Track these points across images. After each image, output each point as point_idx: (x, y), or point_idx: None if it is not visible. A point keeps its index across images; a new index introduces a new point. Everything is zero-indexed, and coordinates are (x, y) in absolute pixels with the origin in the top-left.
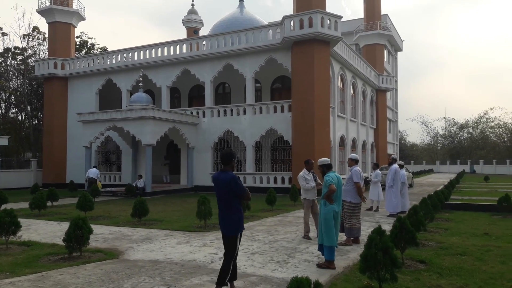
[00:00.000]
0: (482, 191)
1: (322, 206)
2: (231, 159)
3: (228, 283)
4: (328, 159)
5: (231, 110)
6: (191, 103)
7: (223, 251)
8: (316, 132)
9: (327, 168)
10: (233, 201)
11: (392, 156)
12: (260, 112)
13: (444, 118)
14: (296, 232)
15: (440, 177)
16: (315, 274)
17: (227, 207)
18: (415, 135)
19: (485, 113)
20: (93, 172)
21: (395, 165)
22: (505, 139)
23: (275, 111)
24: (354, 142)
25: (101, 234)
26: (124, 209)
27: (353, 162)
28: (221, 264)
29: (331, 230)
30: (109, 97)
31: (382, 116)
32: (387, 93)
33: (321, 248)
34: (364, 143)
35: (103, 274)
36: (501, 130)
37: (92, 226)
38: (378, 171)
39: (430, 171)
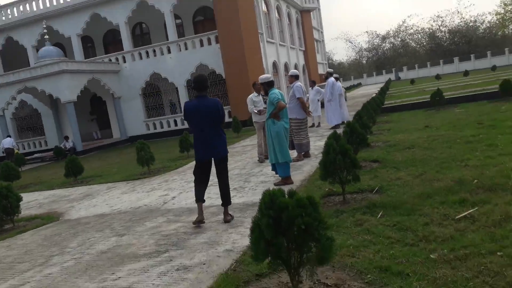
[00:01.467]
0: (411, 93)
1: (271, 125)
2: (207, 84)
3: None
4: (270, 76)
5: (154, 51)
6: (108, 50)
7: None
8: (247, 61)
9: (268, 85)
10: (219, 126)
11: (328, 70)
12: (186, 48)
13: (367, 32)
14: (246, 159)
15: (370, 88)
16: None
17: (216, 132)
18: (341, 53)
19: (403, 22)
20: (8, 142)
21: (332, 78)
22: (424, 43)
23: (202, 45)
24: (286, 67)
25: (35, 201)
26: (56, 172)
27: (293, 78)
28: (222, 188)
29: (284, 145)
30: (13, 58)
31: (309, 37)
32: (311, 14)
33: (274, 167)
34: (295, 67)
35: (43, 240)
36: (419, 35)
37: (23, 194)
38: (317, 87)
39: (359, 85)
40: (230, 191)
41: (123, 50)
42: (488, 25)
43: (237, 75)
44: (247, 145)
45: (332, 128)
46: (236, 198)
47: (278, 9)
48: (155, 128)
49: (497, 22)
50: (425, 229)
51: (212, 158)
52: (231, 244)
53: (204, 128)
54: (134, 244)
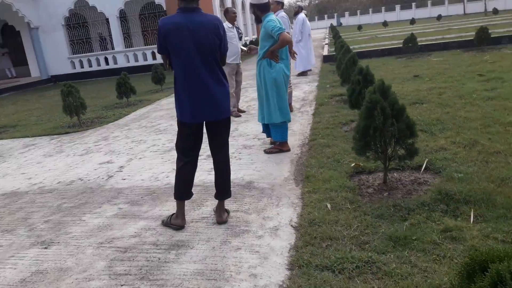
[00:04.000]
0: (364, 39)
1: (266, 68)
2: None
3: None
4: None
5: None
6: None
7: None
8: None
9: (262, 9)
10: (220, 63)
11: (298, 3)
12: None
13: None
14: None
15: (314, 32)
16: (271, 165)
17: (215, 73)
18: None
19: None
20: None
21: (302, 15)
22: None
23: None
24: (233, 3)
25: None
26: None
27: (279, 5)
28: (220, 170)
29: (283, 98)
30: None
31: None
32: None
33: (267, 129)
34: (243, 3)
35: None
36: None
37: None
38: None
39: None
40: (202, 159)
41: None
42: None
43: None
44: None
45: (299, 74)
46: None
47: None
48: (82, 67)
49: None
50: None
51: (205, 120)
52: (250, 280)
53: (195, 65)
54: (69, 269)
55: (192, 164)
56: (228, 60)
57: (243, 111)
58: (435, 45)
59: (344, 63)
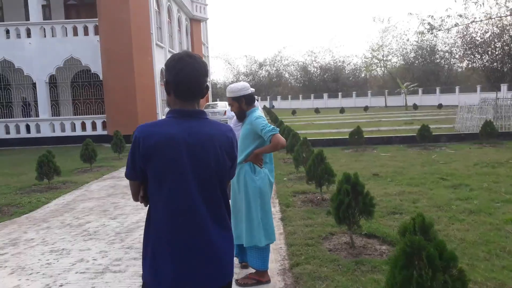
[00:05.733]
0: (302, 125)
1: (249, 174)
2: (206, 79)
3: None
4: (248, 85)
5: (7, 31)
6: None
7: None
8: (136, 62)
9: (248, 101)
10: (225, 194)
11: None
12: (53, 35)
13: (246, 56)
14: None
15: None
16: None
17: (217, 211)
18: (218, 73)
19: (279, 52)
20: None
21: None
22: (298, 76)
23: (75, 34)
24: None
25: None
26: None
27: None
28: None
29: (268, 215)
30: None
31: (198, 50)
32: (201, 24)
33: (240, 251)
34: None
35: None
36: (293, 67)
37: None
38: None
39: None
40: None
41: None
42: (354, 66)
43: (120, 78)
44: None
45: None
46: None
47: (169, 10)
48: None
49: (363, 64)
50: None
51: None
52: None
53: (191, 199)
54: None
55: None
56: None
57: None
58: (378, 138)
59: (311, 159)
